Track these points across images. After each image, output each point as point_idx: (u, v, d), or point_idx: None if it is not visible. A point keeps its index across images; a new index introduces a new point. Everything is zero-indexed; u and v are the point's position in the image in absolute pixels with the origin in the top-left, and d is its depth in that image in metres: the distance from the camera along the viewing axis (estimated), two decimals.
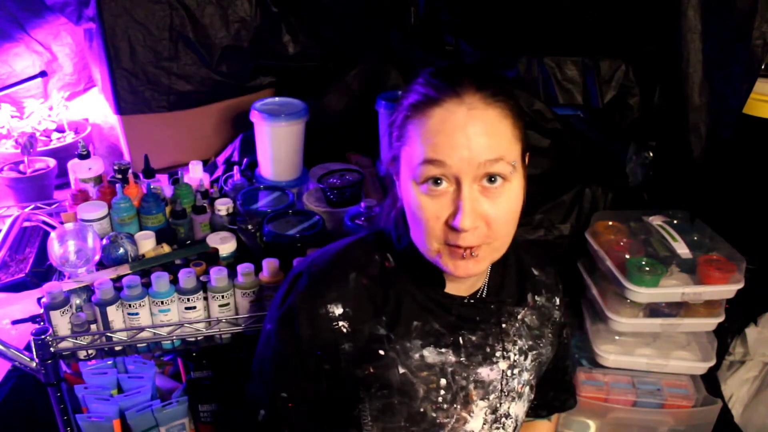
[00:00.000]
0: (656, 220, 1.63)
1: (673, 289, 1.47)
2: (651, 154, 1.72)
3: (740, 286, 1.47)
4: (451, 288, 0.88)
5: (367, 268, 0.88)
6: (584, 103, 1.79)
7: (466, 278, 0.84)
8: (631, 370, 1.60)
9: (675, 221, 1.63)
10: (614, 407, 1.56)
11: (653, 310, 1.53)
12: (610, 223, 1.66)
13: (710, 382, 1.63)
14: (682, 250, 1.52)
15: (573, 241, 1.68)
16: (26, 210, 1.64)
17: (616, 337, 1.60)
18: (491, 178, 0.76)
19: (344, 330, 0.84)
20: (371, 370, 0.85)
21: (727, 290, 1.48)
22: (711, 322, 1.54)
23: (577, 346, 1.70)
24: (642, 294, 1.45)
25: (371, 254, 0.89)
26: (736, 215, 1.68)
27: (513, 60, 1.82)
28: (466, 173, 0.74)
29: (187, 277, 1.23)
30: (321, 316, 0.84)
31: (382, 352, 0.85)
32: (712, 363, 1.56)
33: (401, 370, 0.85)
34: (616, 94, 1.74)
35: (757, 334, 1.69)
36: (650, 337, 1.60)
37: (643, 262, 1.49)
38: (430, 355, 0.86)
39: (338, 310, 0.84)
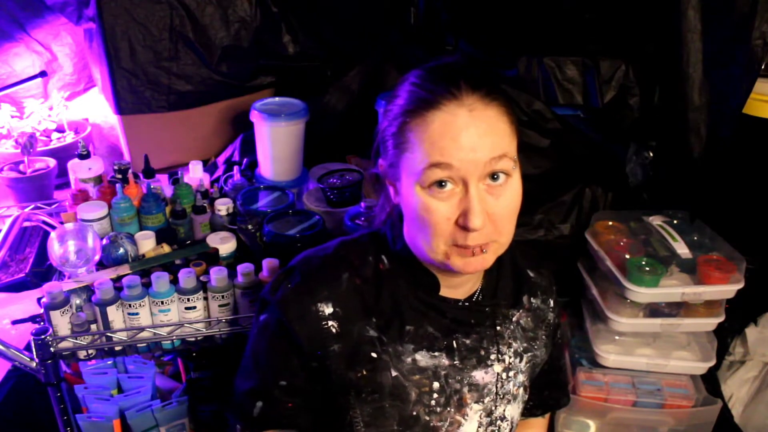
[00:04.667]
0: (656, 220, 1.63)
1: (673, 289, 1.47)
2: (651, 154, 1.72)
3: (740, 286, 1.47)
4: (447, 291, 0.88)
5: (360, 269, 0.87)
6: (584, 103, 1.79)
7: (473, 273, 0.84)
8: (631, 370, 1.59)
9: (675, 221, 1.63)
10: (614, 407, 1.56)
11: (653, 310, 1.53)
12: (610, 223, 1.66)
13: (710, 382, 1.63)
14: (682, 250, 1.52)
15: (573, 241, 1.68)
16: (26, 210, 1.64)
17: (616, 337, 1.60)
18: (494, 175, 0.77)
19: (333, 330, 0.84)
20: (364, 373, 0.85)
21: (727, 290, 1.48)
22: (711, 322, 1.53)
23: (577, 346, 1.69)
24: (642, 294, 1.45)
25: (366, 255, 0.89)
26: (736, 215, 1.68)
27: (513, 60, 1.81)
28: (473, 174, 0.75)
29: (187, 277, 1.23)
30: (311, 314, 0.84)
31: (374, 355, 0.85)
32: (712, 363, 1.56)
33: (393, 374, 0.85)
34: (616, 94, 1.74)
35: (757, 334, 1.69)
36: (650, 337, 1.60)
37: (643, 262, 1.49)
38: (422, 358, 0.86)
39: (328, 310, 0.84)
